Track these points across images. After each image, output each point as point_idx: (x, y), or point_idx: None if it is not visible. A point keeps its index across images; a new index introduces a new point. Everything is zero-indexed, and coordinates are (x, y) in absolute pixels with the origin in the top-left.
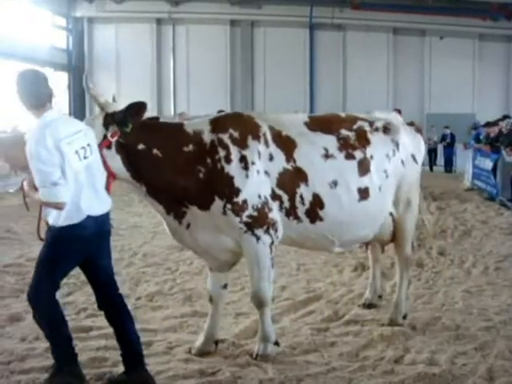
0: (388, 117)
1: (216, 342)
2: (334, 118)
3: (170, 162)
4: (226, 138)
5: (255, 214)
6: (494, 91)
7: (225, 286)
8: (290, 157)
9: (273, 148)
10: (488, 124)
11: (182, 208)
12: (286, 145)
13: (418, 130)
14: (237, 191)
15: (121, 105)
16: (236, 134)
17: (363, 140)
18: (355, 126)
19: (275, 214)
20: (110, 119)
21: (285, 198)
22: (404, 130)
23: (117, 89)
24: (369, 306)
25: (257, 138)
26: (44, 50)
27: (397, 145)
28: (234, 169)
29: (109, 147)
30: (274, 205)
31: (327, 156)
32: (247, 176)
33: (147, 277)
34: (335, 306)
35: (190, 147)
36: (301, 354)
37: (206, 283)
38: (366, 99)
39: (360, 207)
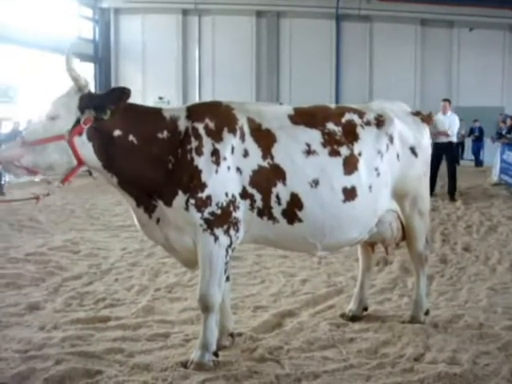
0: (388, 106)
1: (232, 335)
2: (320, 111)
3: (144, 150)
4: (201, 127)
5: (218, 211)
6: None
7: (227, 279)
8: (267, 153)
9: (249, 143)
10: None
11: (152, 201)
12: (265, 140)
13: (425, 120)
14: (202, 186)
15: (147, 97)
16: (212, 125)
17: (351, 135)
18: (344, 120)
19: (240, 213)
20: (88, 102)
21: (258, 197)
22: (403, 120)
23: (142, 79)
24: (352, 318)
25: (233, 131)
26: (70, 40)
27: (391, 138)
28: (203, 162)
29: (80, 134)
30: (244, 204)
31: (309, 152)
32: (216, 171)
33: (167, 268)
34: None
35: (165, 134)
36: (318, 349)
37: None
38: (393, 91)
39: (345, 208)
